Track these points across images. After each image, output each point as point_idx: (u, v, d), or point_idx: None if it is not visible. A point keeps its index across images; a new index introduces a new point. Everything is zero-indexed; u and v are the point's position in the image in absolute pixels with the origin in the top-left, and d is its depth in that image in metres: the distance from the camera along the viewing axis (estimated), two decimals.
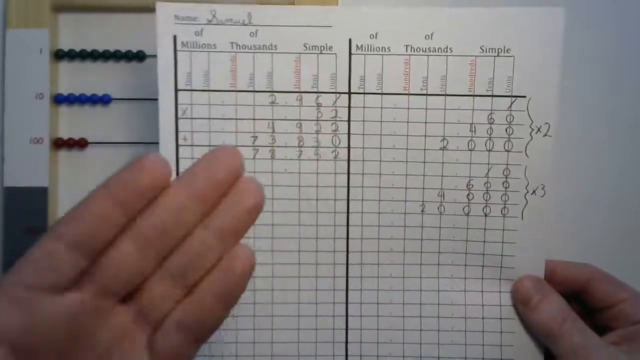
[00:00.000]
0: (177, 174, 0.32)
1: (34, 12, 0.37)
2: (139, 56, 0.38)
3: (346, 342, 0.34)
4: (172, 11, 0.32)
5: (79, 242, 0.21)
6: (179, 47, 0.32)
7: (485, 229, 0.34)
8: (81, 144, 0.38)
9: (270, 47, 0.33)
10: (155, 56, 0.36)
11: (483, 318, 0.34)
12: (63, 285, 0.21)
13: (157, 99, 0.36)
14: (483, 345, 0.34)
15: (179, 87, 0.32)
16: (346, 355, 0.34)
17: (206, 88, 0.33)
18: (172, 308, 0.23)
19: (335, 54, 0.33)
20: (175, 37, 0.32)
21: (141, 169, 0.22)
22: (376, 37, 0.33)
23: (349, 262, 0.34)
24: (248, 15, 0.32)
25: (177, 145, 0.33)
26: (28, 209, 0.37)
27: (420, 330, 0.34)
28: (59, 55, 0.38)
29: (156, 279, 0.22)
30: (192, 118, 0.33)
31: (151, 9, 0.37)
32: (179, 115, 0.33)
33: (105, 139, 0.38)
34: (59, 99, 0.38)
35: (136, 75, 0.38)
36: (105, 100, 0.38)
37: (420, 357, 0.34)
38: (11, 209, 0.37)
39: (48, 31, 0.37)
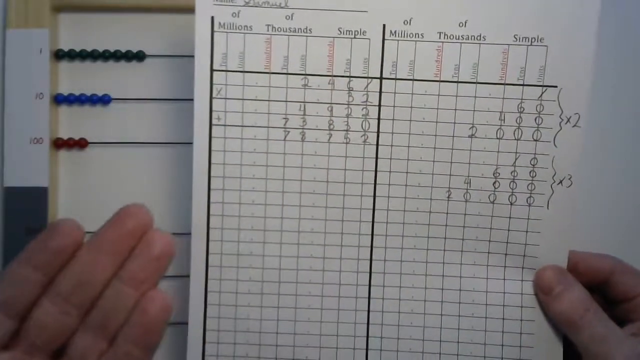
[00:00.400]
0: (210, 153, 0.33)
1: (34, 12, 0.36)
2: (139, 56, 0.38)
3: (367, 324, 0.35)
4: None
5: (3, 304, 0.23)
6: (216, 27, 0.33)
7: (510, 217, 0.34)
8: (81, 144, 0.38)
9: (305, 30, 0.33)
10: (155, 56, 0.37)
11: (504, 305, 0.35)
12: None
13: (156, 99, 0.37)
14: (503, 332, 0.35)
15: (215, 67, 0.33)
16: (367, 336, 0.35)
17: (241, 69, 0.33)
18: (99, 359, 0.24)
19: (368, 39, 0.33)
20: (212, 18, 0.33)
21: (54, 232, 0.23)
22: (410, 23, 0.33)
23: (374, 245, 0.35)
24: None
25: (211, 125, 0.33)
26: (28, 209, 0.36)
27: (441, 315, 0.35)
28: (59, 55, 0.38)
29: (80, 334, 0.24)
30: (226, 98, 0.33)
31: (151, 9, 0.37)
32: (214, 94, 0.33)
33: (105, 139, 0.38)
34: (59, 99, 0.38)
35: (136, 76, 0.38)
36: (105, 100, 0.38)
37: (440, 341, 0.35)
38: (11, 209, 0.37)
39: (48, 31, 0.36)
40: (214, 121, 0.33)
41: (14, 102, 0.37)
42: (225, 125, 0.34)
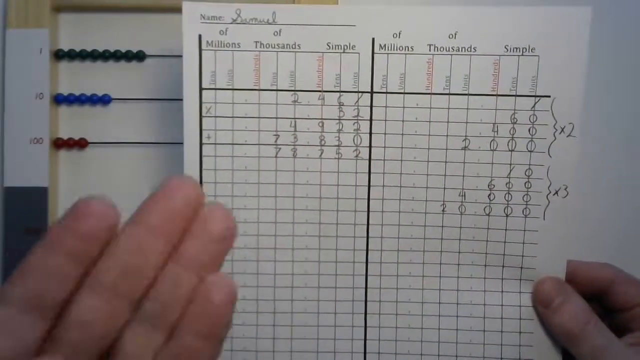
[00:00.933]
0: (201, 172, 0.33)
1: (34, 12, 0.36)
2: (139, 56, 0.38)
3: (364, 339, 0.35)
4: (198, 10, 0.32)
5: (33, 303, 0.19)
6: (204, 46, 0.32)
7: (506, 229, 0.34)
8: (81, 144, 0.38)
9: (293, 46, 0.33)
10: (155, 56, 0.37)
11: (502, 318, 0.34)
12: (25, 353, 0.19)
13: (156, 99, 0.37)
14: (502, 345, 0.34)
15: (204, 85, 0.33)
16: (364, 352, 0.35)
17: (230, 87, 0.33)
18: (155, 356, 0.20)
19: (358, 53, 0.33)
20: (200, 36, 0.32)
21: (84, 213, 0.20)
22: (399, 37, 0.33)
23: (369, 260, 0.34)
24: (272, 14, 0.32)
25: (201, 143, 0.33)
26: (28, 209, 0.36)
27: (439, 329, 0.35)
28: (59, 55, 0.38)
29: (133, 328, 0.20)
30: (215, 116, 0.33)
31: (151, 9, 0.37)
32: (203, 113, 0.33)
33: (105, 139, 0.38)
34: (58, 99, 0.38)
35: (136, 75, 0.38)
36: (105, 100, 0.38)
37: (438, 355, 0.35)
38: (11, 209, 0.37)
39: (48, 31, 0.37)
40: (205, 140, 0.33)
41: (14, 102, 0.37)
42: (215, 143, 0.33)
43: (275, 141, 0.33)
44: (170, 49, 0.38)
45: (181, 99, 0.37)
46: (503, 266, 0.34)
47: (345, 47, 0.33)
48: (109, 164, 0.38)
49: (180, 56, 0.36)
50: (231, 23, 0.32)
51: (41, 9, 0.36)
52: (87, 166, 0.38)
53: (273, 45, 0.33)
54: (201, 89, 0.33)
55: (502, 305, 0.34)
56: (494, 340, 0.34)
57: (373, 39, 0.33)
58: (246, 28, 0.32)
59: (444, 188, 0.34)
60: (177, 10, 0.36)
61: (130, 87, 0.38)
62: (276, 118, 0.33)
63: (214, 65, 0.33)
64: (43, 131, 0.37)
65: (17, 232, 0.36)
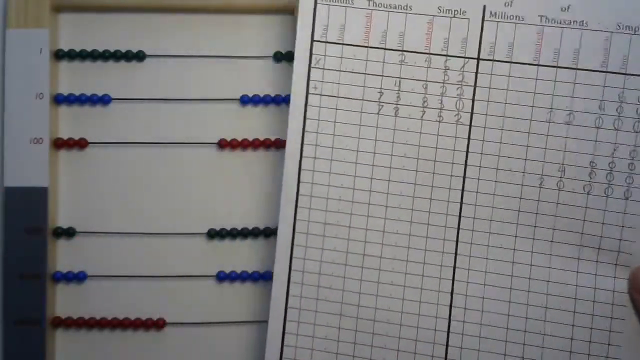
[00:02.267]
0: (305, 120, 0.34)
1: (34, 12, 0.36)
2: (139, 56, 0.37)
3: (450, 306, 0.34)
4: None
5: None
6: (319, 0, 0.34)
7: (605, 210, 0.33)
8: (81, 144, 0.37)
9: (405, 7, 0.34)
10: (155, 56, 0.38)
11: (594, 301, 0.33)
12: None
13: (156, 99, 0.37)
14: (592, 329, 0.33)
15: (315, 37, 0.34)
16: (449, 319, 0.34)
17: (340, 41, 0.34)
18: None
19: (468, 18, 0.33)
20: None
21: None
22: (511, 5, 0.33)
23: (460, 227, 0.34)
24: None
25: (307, 93, 0.34)
26: (28, 209, 0.36)
27: (527, 305, 0.34)
28: (59, 55, 0.37)
29: None
30: (323, 68, 0.34)
31: (151, 9, 0.37)
32: (312, 64, 0.34)
33: (105, 139, 0.38)
34: (59, 99, 0.37)
35: (136, 76, 0.38)
36: (105, 100, 0.37)
37: (525, 331, 0.33)
38: (11, 209, 0.36)
39: (48, 31, 0.36)
40: (311, 89, 0.34)
41: (14, 102, 0.36)
42: (321, 94, 0.34)
43: (379, 98, 0.34)
44: (171, 49, 0.38)
45: (182, 99, 0.37)
46: (599, 249, 0.33)
47: (456, 12, 0.33)
48: (109, 164, 0.38)
49: (181, 56, 0.37)
50: None
51: (41, 8, 0.36)
52: (87, 166, 0.38)
53: (385, 5, 0.34)
54: (312, 40, 0.34)
55: (595, 288, 0.33)
56: (583, 323, 0.33)
57: (484, 6, 0.33)
58: None
59: (543, 162, 0.33)
60: (178, 10, 0.37)
61: (130, 87, 0.38)
62: (382, 76, 0.34)
63: (327, 20, 0.34)
64: (43, 131, 0.36)
65: (17, 232, 0.36)
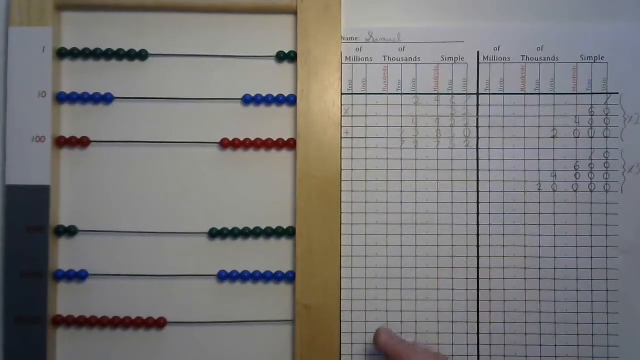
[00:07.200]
0: (341, 161, 0.40)
1: (37, 10, 0.36)
2: (141, 55, 0.37)
3: (477, 290, 0.41)
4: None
5: None
6: (343, 60, 0.41)
7: (591, 202, 0.41)
8: (83, 142, 0.37)
9: (414, 58, 0.41)
10: (156, 55, 0.38)
11: (591, 279, 0.41)
12: None
13: (158, 98, 0.37)
14: (592, 302, 0.41)
15: (343, 91, 0.41)
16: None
17: (363, 92, 0.41)
18: None
19: (466, 63, 0.41)
20: (340, 53, 0.41)
21: None
22: (499, 49, 0.41)
23: (480, 223, 0.41)
24: (397, 34, 0.41)
25: (341, 137, 0.41)
26: (30, 207, 0.36)
27: (539, 290, 0.41)
28: (62, 53, 0.37)
29: None
30: (352, 115, 0.41)
31: (153, 8, 0.37)
32: (343, 113, 0.41)
33: (107, 137, 0.38)
34: (61, 98, 0.37)
35: (138, 74, 0.38)
36: (107, 98, 0.37)
37: (540, 312, 0.41)
38: (12, 207, 0.36)
39: (51, 29, 0.36)
40: (344, 134, 0.41)
41: (17, 100, 0.36)
42: (352, 137, 0.41)
43: (400, 135, 0.41)
44: (172, 48, 0.37)
45: (182, 99, 0.38)
46: (591, 235, 0.41)
47: (456, 58, 0.41)
48: (110, 162, 0.38)
49: (183, 55, 0.37)
50: (365, 42, 0.41)
51: (44, 7, 0.36)
52: (89, 165, 0.38)
53: (398, 59, 0.41)
54: (341, 93, 0.41)
55: (591, 268, 0.41)
56: (585, 297, 0.41)
57: (478, 52, 0.41)
58: (376, 45, 0.41)
59: (539, 170, 0.41)
60: (179, 9, 0.37)
61: (132, 86, 0.38)
62: (401, 116, 0.41)
63: (351, 75, 0.41)
64: (45, 129, 0.36)
65: (18, 230, 0.36)
